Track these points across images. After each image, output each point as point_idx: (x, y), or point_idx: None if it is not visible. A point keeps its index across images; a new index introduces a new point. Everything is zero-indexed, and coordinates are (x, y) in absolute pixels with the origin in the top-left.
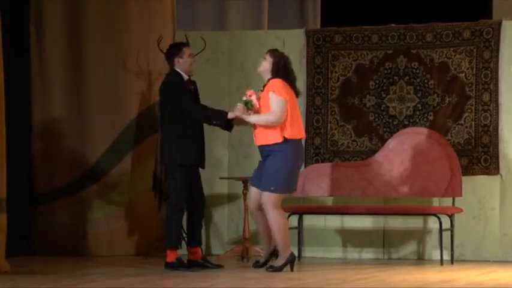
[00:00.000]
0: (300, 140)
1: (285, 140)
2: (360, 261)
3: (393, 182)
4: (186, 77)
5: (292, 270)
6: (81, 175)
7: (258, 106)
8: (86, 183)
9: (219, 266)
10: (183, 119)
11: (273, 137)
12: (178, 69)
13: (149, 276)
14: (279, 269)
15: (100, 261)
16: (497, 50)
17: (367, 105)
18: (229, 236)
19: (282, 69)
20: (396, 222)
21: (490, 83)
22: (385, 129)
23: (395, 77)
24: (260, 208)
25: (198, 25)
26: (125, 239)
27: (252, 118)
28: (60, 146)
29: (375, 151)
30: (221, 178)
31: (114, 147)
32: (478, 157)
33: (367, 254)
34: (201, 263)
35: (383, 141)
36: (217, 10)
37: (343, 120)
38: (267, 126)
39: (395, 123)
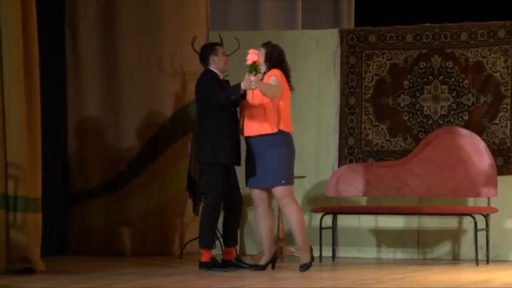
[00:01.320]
0: (290, 132)
1: (280, 131)
2: (394, 262)
3: (428, 182)
4: (221, 76)
5: (312, 260)
6: (116, 175)
7: (261, 63)
8: (121, 183)
9: (253, 266)
10: (218, 117)
11: (268, 127)
12: (213, 68)
13: (183, 276)
14: (310, 265)
15: (134, 261)
16: None
17: (402, 105)
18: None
19: (275, 60)
20: (431, 222)
21: None
22: (419, 128)
23: (429, 77)
24: (269, 207)
25: (231, 25)
26: (159, 239)
27: (260, 86)
28: (95, 146)
29: (409, 151)
30: None
31: (149, 147)
32: None
33: (402, 254)
34: (235, 263)
35: (417, 141)
36: (250, 10)
37: (377, 120)
38: (259, 116)
39: (429, 122)
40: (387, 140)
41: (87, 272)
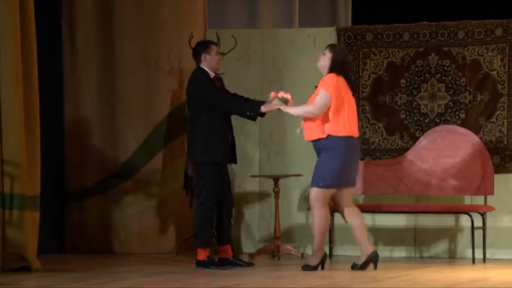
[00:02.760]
0: (349, 137)
1: (330, 136)
2: (391, 260)
3: (425, 180)
4: (212, 74)
5: (323, 268)
6: (113, 173)
7: (292, 103)
8: (118, 181)
9: (250, 264)
10: (210, 116)
11: (317, 133)
12: (204, 67)
13: (180, 274)
14: (312, 268)
15: (131, 259)
16: None
17: (399, 103)
18: (260, 234)
19: (338, 65)
20: (428, 221)
21: None
22: (416, 127)
23: (426, 75)
24: (324, 207)
25: (229, 23)
26: (156, 237)
27: (290, 109)
28: (91, 144)
29: (406, 149)
30: (252, 176)
31: (146, 145)
32: (510, 155)
33: (399, 252)
34: (232, 261)
35: (414, 139)
36: (248, 8)
37: (375, 118)
38: (312, 122)
39: (426, 121)
40: (384, 139)
41: (83, 271)
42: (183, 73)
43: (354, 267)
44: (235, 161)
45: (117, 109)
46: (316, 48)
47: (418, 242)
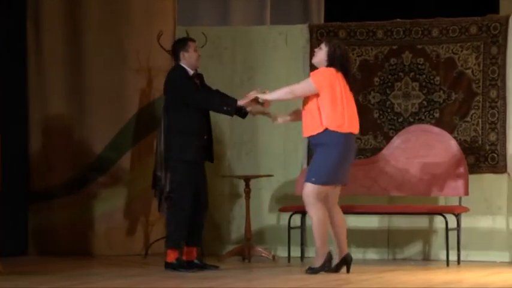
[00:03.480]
0: (348, 134)
1: (328, 131)
2: (364, 262)
3: (398, 181)
4: (191, 72)
5: (330, 269)
6: (80, 173)
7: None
8: (85, 181)
9: (216, 267)
10: (187, 114)
11: (315, 127)
12: (183, 64)
13: (148, 277)
14: (318, 270)
15: (98, 261)
16: (505, 46)
17: (372, 102)
18: (230, 236)
19: (337, 60)
20: (401, 222)
21: (497, 80)
22: (390, 126)
23: (400, 73)
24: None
25: (199, 21)
26: (124, 239)
27: (268, 95)
28: (58, 143)
29: (379, 149)
30: (222, 176)
31: (114, 144)
32: (485, 155)
33: (372, 254)
34: (197, 264)
35: (388, 138)
36: (219, 5)
37: None
38: (310, 118)
39: (400, 120)
40: (357, 138)
41: (48, 273)
42: (152, 71)
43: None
44: (211, 159)
45: (84, 108)
46: (288, 46)
47: (391, 243)
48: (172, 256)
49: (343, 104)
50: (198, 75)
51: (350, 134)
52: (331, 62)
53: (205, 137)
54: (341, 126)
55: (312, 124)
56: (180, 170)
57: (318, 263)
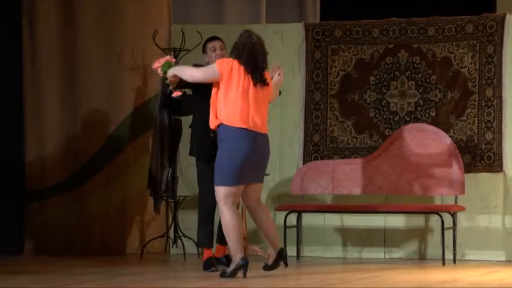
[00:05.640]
0: (241, 128)
1: (222, 125)
2: (360, 261)
3: (394, 180)
4: None
5: (245, 276)
6: (75, 172)
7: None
8: (80, 180)
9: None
10: (195, 115)
11: (213, 120)
12: None
13: (143, 276)
14: (229, 275)
15: (93, 260)
16: (501, 45)
17: (368, 101)
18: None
19: (239, 50)
20: (397, 221)
21: (493, 78)
22: (386, 125)
23: (396, 72)
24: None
25: (194, 19)
26: (120, 238)
27: (174, 70)
28: (53, 143)
29: (375, 148)
30: None
31: (109, 143)
32: (481, 154)
33: (368, 253)
34: (223, 261)
35: (384, 137)
36: (214, 3)
37: (343, 116)
38: (212, 110)
39: (396, 119)
40: (353, 137)
41: (44, 272)
42: (147, 70)
43: (266, 267)
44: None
45: (80, 107)
46: (284, 45)
47: (387, 242)
48: (204, 255)
49: (239, 98)
50: None
51: (246, 130)
52: (233, 53)
53: (211, 135)
54: (233, 120)
55: (211, 116)
56: (198, 169)
57: (230, 268)
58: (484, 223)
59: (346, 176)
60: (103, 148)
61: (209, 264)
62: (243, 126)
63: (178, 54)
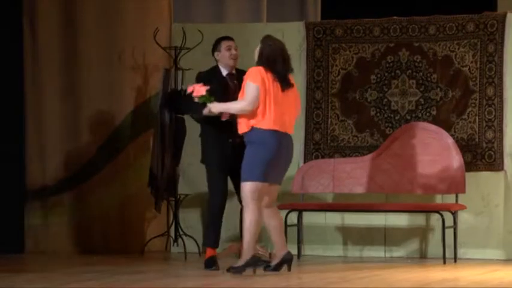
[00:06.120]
0: (272, 131)
1: (254, 129)
2: (361, 260)
3: (395, 179)
4: (225, 72)
5: (254, 272)
6: (76, 171)
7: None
8: (81, 179)
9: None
10: (210, 117)
11: (244, 125)
12: (219, 65)
13: (145, 274)
14: (239, 270)
15: (94, 259)
16: (502, 43)
17: (369, 100)
18: (227, 233)
19: (265, 58)
20: (398, 220)
21: (494, 77)
22: (386, 124)
23: (397, 71)
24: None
25: (195, 18)
26: (120, 236)
27: (217, 106)
28: (54, 142)
29: (376, 147)
30: None
31: (109, 142)
32: (482, 153)
33: (368, 252)
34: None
35: (385, 136)
36: (215, 2)
37: (344, 115)
38: (240, 116)
39: (397, 118)
40: (354, 136)
41: (44, 271)
42: (148, 69)
43: (267, 268)
44: (234, 165)
45: (80, 106)
46: (285, 43)
47: (388, 241)
48: (207, 253)
49: (269, 103)
50: (234, 75)
51: (277, 132)
52: (260, 60)
53: (230, 140)
54: (265, 124)
55: (241, 121)
56: (208, 172)
57: (240, 262)
58: (485, 222)
59: (347, 174)
60: (104, 147)
61: (211, 263)
62: (274, 129)
63: (179, 53)
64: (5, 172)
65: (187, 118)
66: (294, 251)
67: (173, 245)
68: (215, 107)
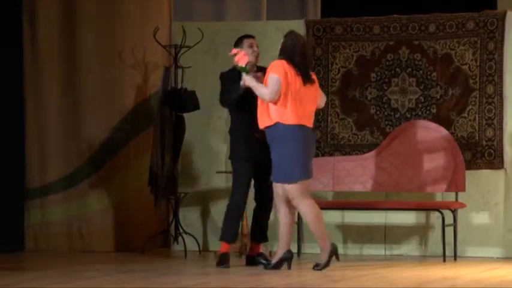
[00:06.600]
0: (298, 125)
1: (278, 124)
2: (360, 258)
3: (395, 177)
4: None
5: (338, 259)
6: (76, 169)
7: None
8: (80, 178)
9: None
10: (233, 112)
11: (266, 120)
12: None
13: (145, 272)
14: (325, 265)
15: (94, 258)
16: (502, 42)
17: (369, 98)
18: None
19: (287, 51)
20: (398, 218)
21: (494, 75)
22: (386, 122)
23: (397, 69)
24: (286, 201)
25: (195, 16)
26: (120, 235)
27: (250, 81)
28: (54, 140)
29: (376, 145)
30: (218, 172)
31: (110, 140)
32: (482, 151)
33: (368, 250)
34: (256, 260)
35: (384, 134)
36: (215, 1)
37: (344, 113)
38: (262, 109)
39: (397, 116)
40: (354, 134)
41: (44, 270)
42: (148, 67)
43: (267, 266)
44: (262, 159)
45: (80, 104)
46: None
47: (388, 239)
48: (221, 248)
49: (292, 97)
50: (257, 70)
51: (302, 126)
52: (282, 54)
53: (256, 135)
54: (290, 119)
55: (261, 116)
56: (233, 168)
57: (323, 258)
58: (485, 220)
59: (346, 172)
60: (103, 145)
61: (223, 260)
62: (300, 123)
63: (179, 51)
64: (5, 171)
65: (187, 116)
66: (294, 249)
67: (173, 243)
68: (248, 81)
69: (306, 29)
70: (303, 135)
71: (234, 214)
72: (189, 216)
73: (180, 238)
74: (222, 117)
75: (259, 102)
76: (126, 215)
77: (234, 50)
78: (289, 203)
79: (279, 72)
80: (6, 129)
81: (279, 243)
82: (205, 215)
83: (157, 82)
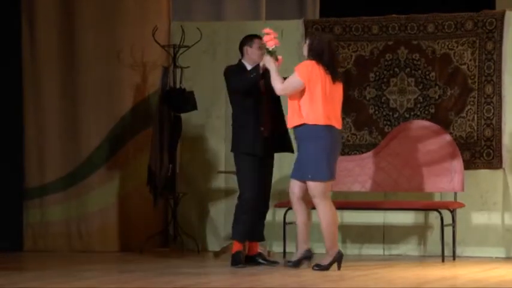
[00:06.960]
0: (327, 126)
1: (308, 125)
2: (359, 258)
3: (394, 176)
4: (249, 67)
5: (339, 268)
6: (74, 169)
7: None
8: (79, 177)
9: (274, 263)
10: (243, 107)
11: (295, 119)
12: (244, 61)
13: (143, 272)
14: (325, 268)
15: (93, 258)
16: (501, 41)
17: (367, 98)
18: (226, 232)
19: (314, 51)
20: (397, 218)
21: (493, 75)
22: (385, 122)
23: (396, 69)
24: (300, 200)
25: (194, 16)
26: (119, 235)
27: (270, 64)
28: (53, 140)
29: (375, 145)
30: (218, 172)
31: (108, 140)
32: (480, 151)
33: (367, 250)
34: (255, 260)
35: (383, 134)
36: (214, 0)
37: (343, 112)
38: (292, 109)
39: (395, 116)
40: (352, 134)
41: (43, 270)
42: (147, 67)
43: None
44: (288, 150)
45: (79, 103)
46: (283, 42)
47: (387, 239)
48: (234, 247)
49: (323, 97)
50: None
51: (331, 127)
52: (311, 54)
53: (262, 129)
54: (320, 119)
55: (292, 115)
56: (239, 163)
57: (326, 261)
58: (484, 220)
59: (345, 172)
60: (102, 145)
61: (238, 260)
62: (329, 124)
63: (178, 51)
64: (4, 170)
65: (186, 116)
66: (293, 249)
67: (172, 243)
68: (268, 62)
69: (305, 28)
70: (331, 136)
71: (245, 212)
72: (187, 216)
73: (178, 238)
74: (221, 117)
75: (289, 102)
76: (125, 214)
77: (267, 30)
78: (304, 201)
79: (302, 75)
80: (5, 129)
81: (298, 243)
82: (204, 215)
83: (156, 82)
